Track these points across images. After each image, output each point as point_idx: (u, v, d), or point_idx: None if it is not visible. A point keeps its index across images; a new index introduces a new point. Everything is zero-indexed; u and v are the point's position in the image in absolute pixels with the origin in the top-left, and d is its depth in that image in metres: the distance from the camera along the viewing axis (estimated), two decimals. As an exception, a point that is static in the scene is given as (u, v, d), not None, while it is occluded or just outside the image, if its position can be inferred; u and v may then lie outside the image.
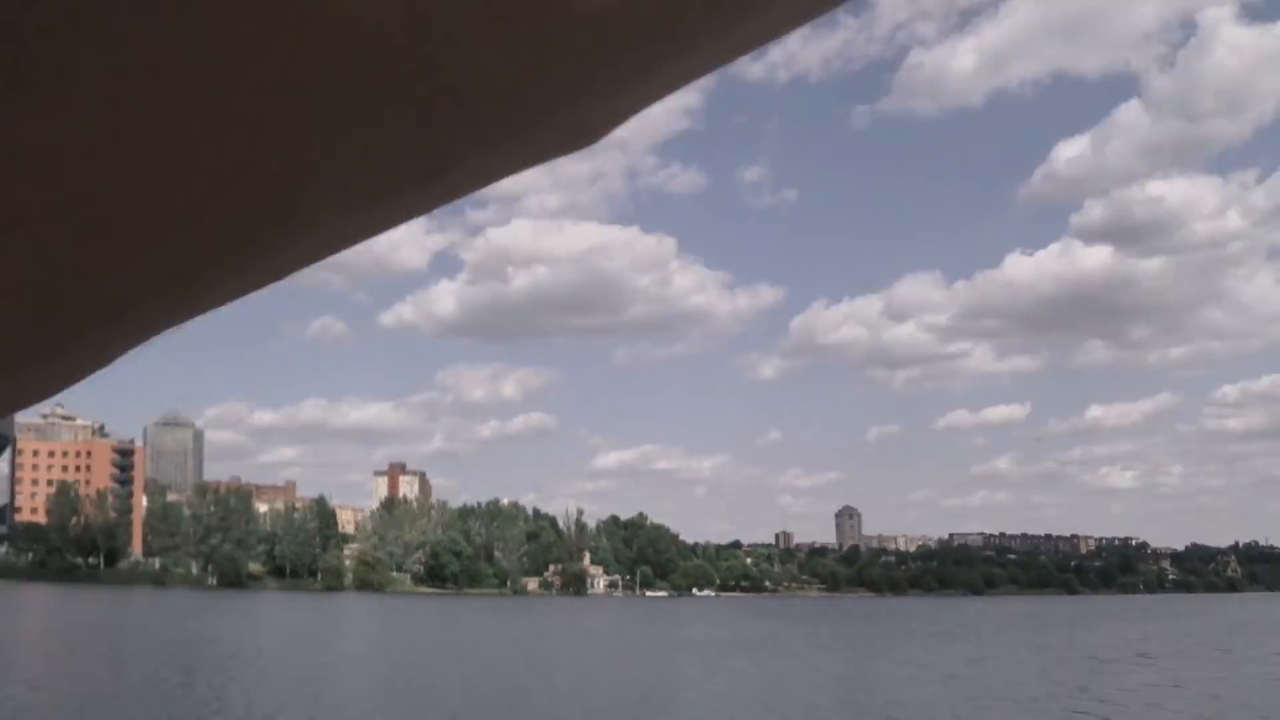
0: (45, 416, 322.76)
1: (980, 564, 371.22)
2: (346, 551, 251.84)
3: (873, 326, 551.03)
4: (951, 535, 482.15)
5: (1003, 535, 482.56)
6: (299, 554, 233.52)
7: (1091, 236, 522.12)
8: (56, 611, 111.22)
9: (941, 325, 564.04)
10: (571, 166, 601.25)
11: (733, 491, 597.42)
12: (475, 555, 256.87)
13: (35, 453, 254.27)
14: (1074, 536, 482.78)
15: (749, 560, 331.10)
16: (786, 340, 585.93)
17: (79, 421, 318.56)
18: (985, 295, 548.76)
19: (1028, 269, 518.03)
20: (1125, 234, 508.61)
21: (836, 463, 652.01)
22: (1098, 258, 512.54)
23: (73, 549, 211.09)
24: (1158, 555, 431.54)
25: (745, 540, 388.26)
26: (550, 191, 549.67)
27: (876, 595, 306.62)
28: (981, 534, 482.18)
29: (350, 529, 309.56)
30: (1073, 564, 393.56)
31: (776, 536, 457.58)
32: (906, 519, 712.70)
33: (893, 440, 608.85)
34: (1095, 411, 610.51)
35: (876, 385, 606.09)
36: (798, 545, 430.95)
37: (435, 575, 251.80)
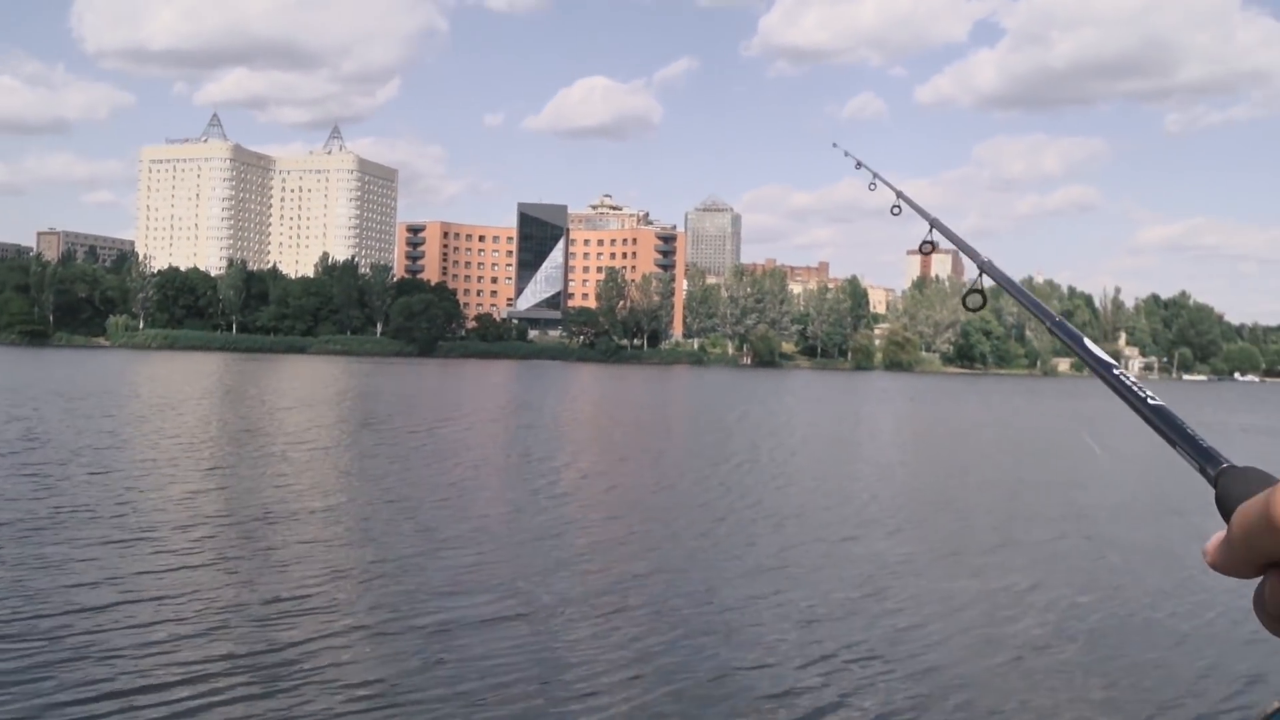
0: (594, 207, 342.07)
1: None
2: (877, 331, 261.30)
3: None
4: None
5: None
6: (830, 333, 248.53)
7: None
8: (608, 384, 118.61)
9: None
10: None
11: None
12: (1006, 335, 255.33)
13: (586, 242, 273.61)
14: None
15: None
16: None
17: (625, 211, 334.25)
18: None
19: None
20: None
21: None
22: None
23: (619, 330, 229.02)
24: None
25: None
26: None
27: None
28: None
29: (881, 309, 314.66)
30: None
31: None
32: None
33: None
34: None
35: None
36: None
37: (964, 355, 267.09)
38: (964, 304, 3.36)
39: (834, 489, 35.66)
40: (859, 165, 7.72)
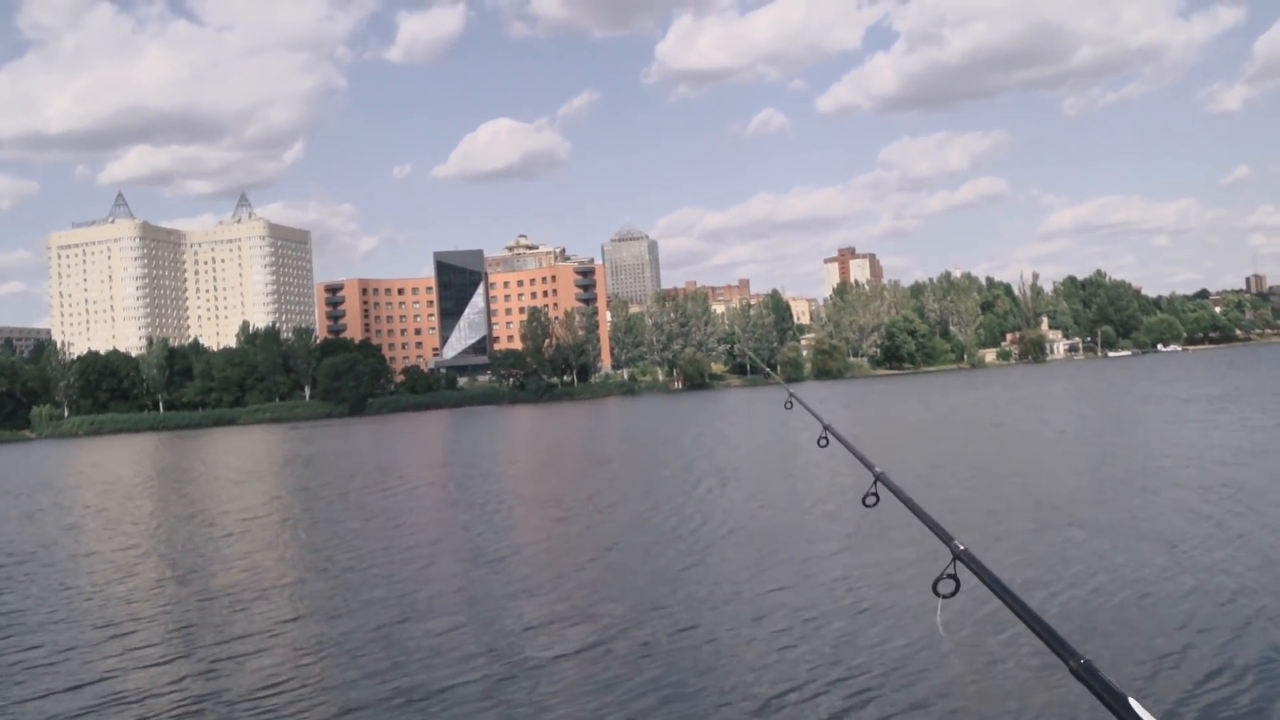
0: (511, 249, 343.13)
1: None
2: (803, 342, 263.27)
3: None
4: None
5: None
6: (757, 349, 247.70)
7: None
8: (543, 424, 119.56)
9: None
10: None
11: (1197, 237, 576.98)
12: (930, 332, 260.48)
13: (505, 284, 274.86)
14: None
15: (1218, 309, 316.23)
16: (1250, 64, 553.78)
17: (541, 249, 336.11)
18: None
19: None
20: None
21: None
22: None
23: (548, 369, 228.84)
24: None
25: (1212, 288, 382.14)
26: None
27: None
28: None
29: (805, 319, 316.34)
30: None
31: (1247, 281, 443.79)
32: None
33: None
34: None
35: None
36: (1272, 288, 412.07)
37: (892, 356, 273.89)
38: (935, 590, 3.58)
39: (799, 504, 36.89)
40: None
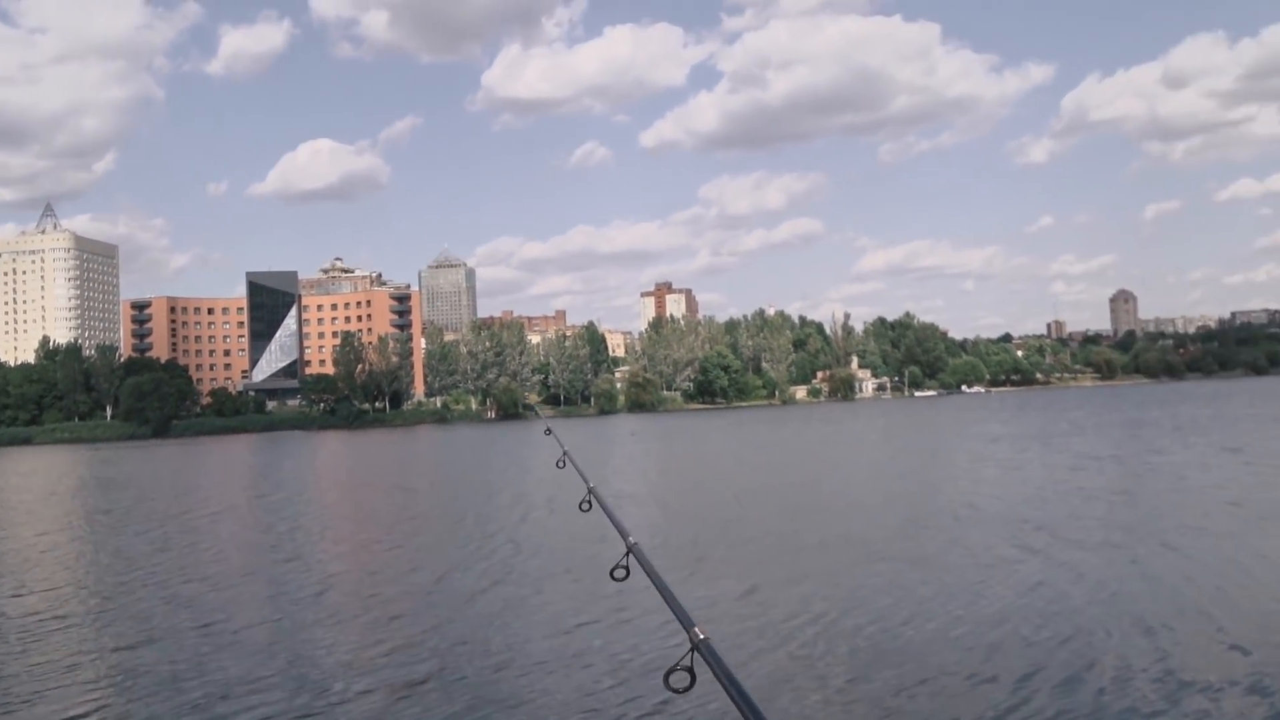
0: (325, 271, 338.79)
1: (1264, 342, 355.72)
2: (618, 374, 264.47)
3: (1149, 97, 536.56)
4: (1234, 314, 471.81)
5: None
6: (572, 381, 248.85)
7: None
8: (350, 452, 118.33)
9: (1225, 89, 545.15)
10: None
11: (1003, 283, 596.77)
12: (743, 368, 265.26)
13: (319, 307, 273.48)
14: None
15: (1020, 353, 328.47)
16: (1058, 120, 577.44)
17: (357, 273, 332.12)
18: (1274, 52, 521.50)
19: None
20: None
21: (1111, 245, 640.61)
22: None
23: (360, 395, 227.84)
24: None
25: (1016, 333, 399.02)
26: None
27: (1153, 381, 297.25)
28: (1266, 310, 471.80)
29: (620, 352, 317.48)
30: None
31: (1048, 326, 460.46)
32: (1185, 300, 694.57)
33: (1171, 217, 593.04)
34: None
35: (1154, 160, 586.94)
36: (1071, 334, 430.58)
37: (705, 391, 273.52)
38: (666, 683, 3.24)
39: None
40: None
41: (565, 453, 9.35)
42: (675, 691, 3.28)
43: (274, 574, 33.29)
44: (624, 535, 4.84)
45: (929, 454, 77.39)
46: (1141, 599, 23.11)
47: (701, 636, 3.25)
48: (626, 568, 4.63)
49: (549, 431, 12.32)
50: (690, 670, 3.23)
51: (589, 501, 6.31)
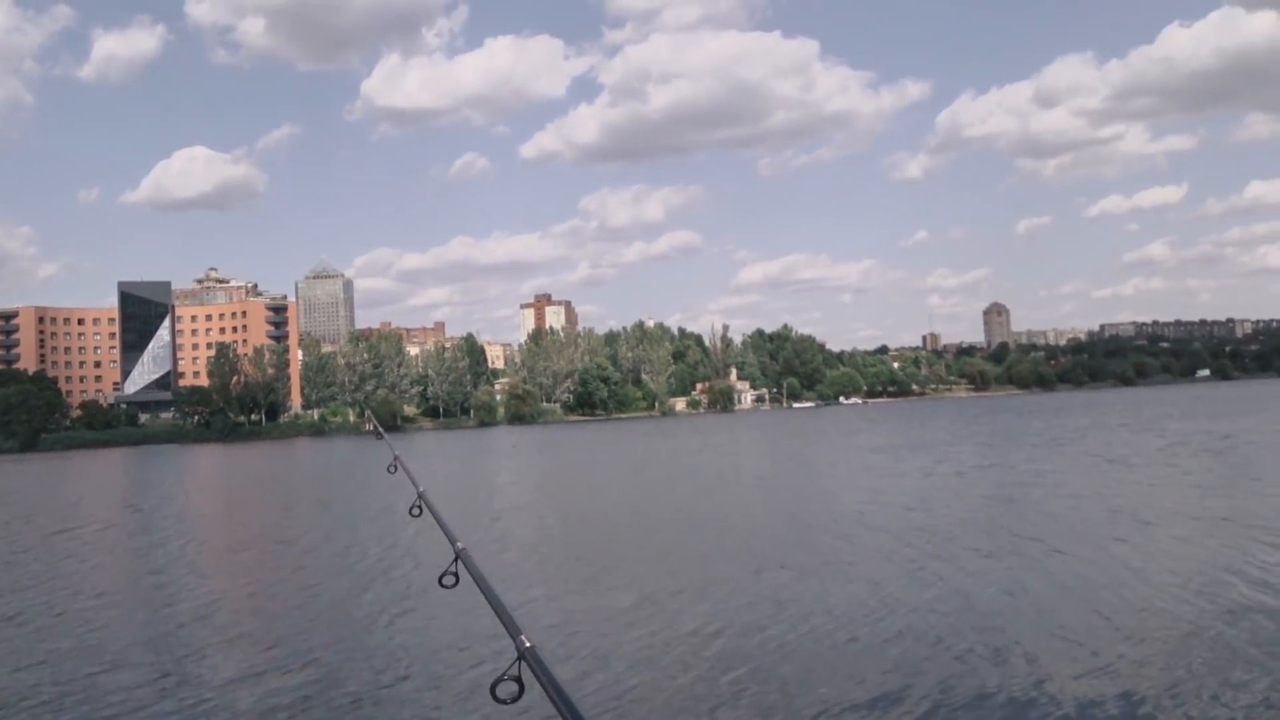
0: (200, 281, 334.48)
1: (1132, 354, 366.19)
2: (497, 386, 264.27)
3: (1022, 115, 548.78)
4: (1103, 326, 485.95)
5: (1156, 323, 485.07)
6: (451, 393, 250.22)
7: (1254, 2, 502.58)
8: (224, 466, 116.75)
9: (1094, 108, 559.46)
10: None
11: (879, 296, 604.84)
12: (623, 380, 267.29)
13: (193, 318, 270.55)
14: (1230, 321, 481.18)
15: (896, 364, 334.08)
16: (933, 136, 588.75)
17: (233, 283, 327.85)
18: (1140, 73, 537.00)
19: (1185, 41, 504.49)
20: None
21: (985, 259, 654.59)
22: (1261, 25, 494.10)
23: (235, 407, 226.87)
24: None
25: (892, 344, 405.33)
26: (688, 3, 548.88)
27: (1025, 392, 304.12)
28: (1134, 323, 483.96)
29: (500, 364, 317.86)
30: (1228, 349, 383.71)
31: (924, 338, 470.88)
32: (1056, 313, 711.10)
33: (1042, 232, 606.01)
34: (1256, 188, 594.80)
35: (1026, 176, 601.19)
36: (945, 346, 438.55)
37: (585, 403, 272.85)
38: (493, 693, 3.11)
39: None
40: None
41: (396, 457, 8.89)
42: (502, 703, 3.13)
43: (149, 593, 32.67)
44: (452, 541, 4.71)
45: (815, 464, 78.30)
46: (1044, 604, 23.61)
47: (528, 644, 3.16)
48: (456, 574, 4.45)
49: (381, 435, 12.41)
50: (518, 680, 3.11)
51: (419, 507, 6.21)
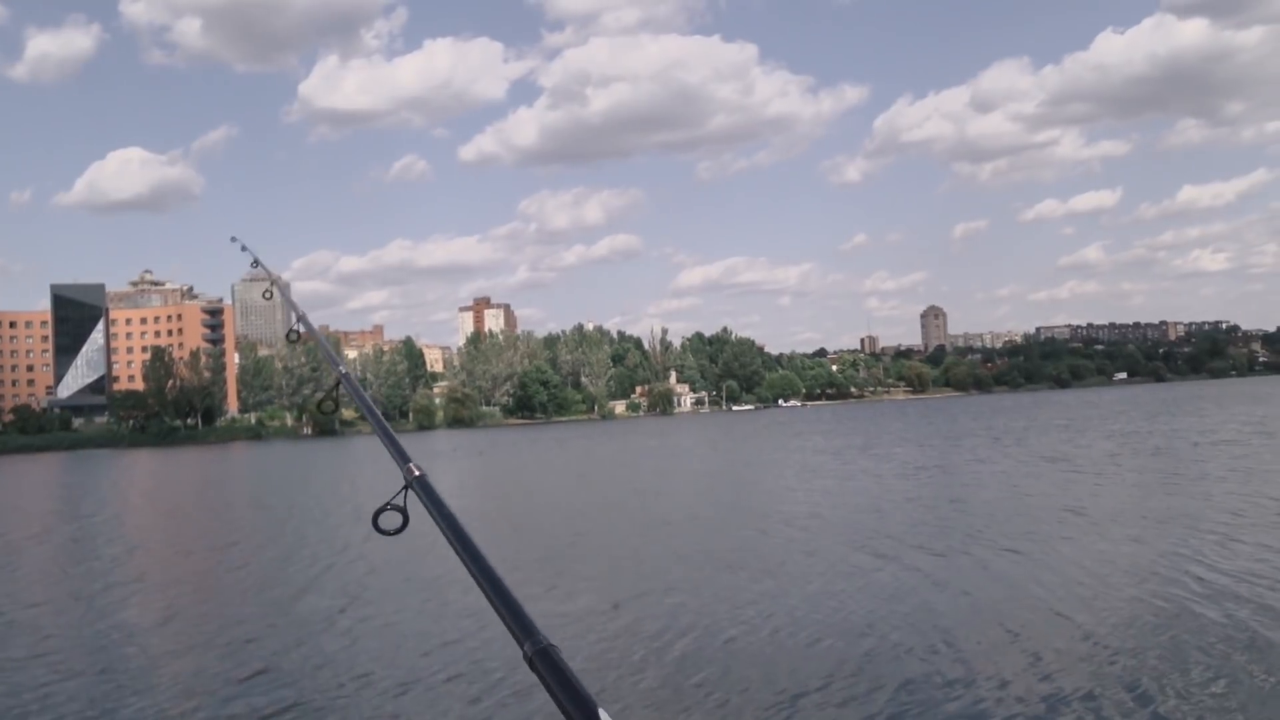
0: (134, 284, 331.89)
1: (1067, 356, 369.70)
2: (436, 390, 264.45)
3: (959, 120, 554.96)
4: (1039, 329, 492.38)
5: (1090, 326, 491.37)
6: (390, 396, 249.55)
7: (1186, 10, 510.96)
8: (160, 471, 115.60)
9: (1029, 114, 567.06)
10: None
11: (818, 299, 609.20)
12: (562, 383, 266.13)
13: (128, 321, 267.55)
14: (1163, 324, 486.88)
15: (835, 367, 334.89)
16: (870, 141, 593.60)
17: (168, 286, 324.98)
18: (1075, 79, 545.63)
19: (1119, 48, 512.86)
20: (1221, 5, 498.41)
21: (922, 263, 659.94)
22: (1193, 32, 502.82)
23: (170, 412, 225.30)
24: (1249, 338, 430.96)
25: (831, 347, 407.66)
26: (628, 6, 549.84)
27: (962, 394, 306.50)
28: (1069, 326, 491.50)
29: (439, 367, 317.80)
30: (1161, 351, 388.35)
31: (862, 341, 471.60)
32: (993, 315, 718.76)
33: (979, 236, 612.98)
34: (1188, 193, 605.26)
35: (963, 180, 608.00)
36: (884, 349, 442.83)
37: (525, 406, 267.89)
38: (375, 524, 2.97)
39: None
40: (255, 263, 8.66)
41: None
42: (385, 533, 2.95)
43: (101, 600, 32.16)
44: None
45: (760, 466, 78.34)
46: (1002, 603, 23.75)
47: (416, 474, 2.96)
48: (405, 513, 3.01)
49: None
50: (403, 510, 2.93)
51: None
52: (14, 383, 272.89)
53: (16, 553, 45.79)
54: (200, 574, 36.92)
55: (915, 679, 18.06)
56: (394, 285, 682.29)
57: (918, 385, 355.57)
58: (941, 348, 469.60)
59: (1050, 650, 19.40)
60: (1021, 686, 17.30)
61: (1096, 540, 32.11)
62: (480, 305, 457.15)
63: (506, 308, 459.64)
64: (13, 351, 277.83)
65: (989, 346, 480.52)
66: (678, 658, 20.25)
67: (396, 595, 28.86)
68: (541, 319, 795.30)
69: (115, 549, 45.22)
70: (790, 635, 21.80)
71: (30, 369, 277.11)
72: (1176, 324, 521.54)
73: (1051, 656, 18.97)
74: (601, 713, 2.08)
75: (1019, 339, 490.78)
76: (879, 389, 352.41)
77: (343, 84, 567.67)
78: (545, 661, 2.26)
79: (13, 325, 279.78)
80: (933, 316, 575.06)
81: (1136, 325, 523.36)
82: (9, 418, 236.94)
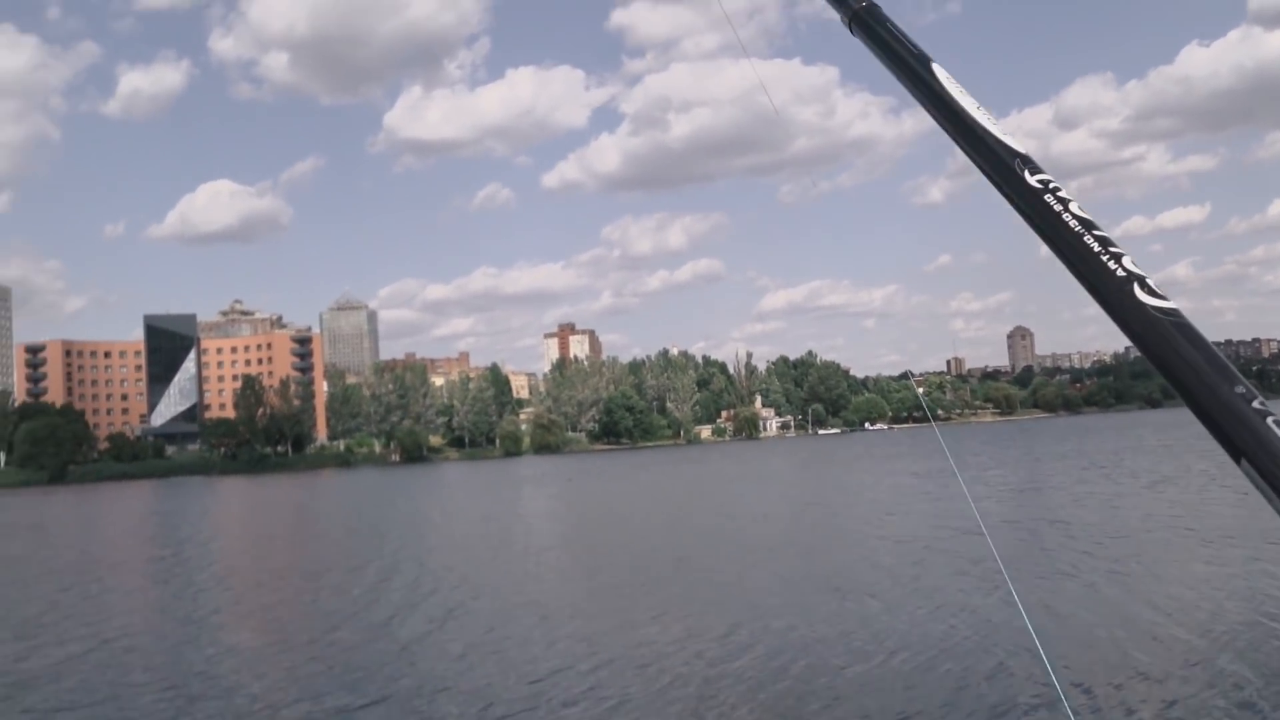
0: (225, 314, 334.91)
1: (1158, 376, 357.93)
2: (522, 416, 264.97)
3: (1042, 137, 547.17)
4: (1128, 349, 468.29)
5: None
6: (476, 423, 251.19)
7: (1273, 20, 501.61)
8: (253, 499, 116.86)
9: (1114, 130, 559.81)
10: (728, 2, 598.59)
11: (903, 321, 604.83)
12: (648, 408, 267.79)
13: (219, 350, 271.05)
14: (1256, 340, 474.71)
15: (921, 389, 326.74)
16: (953, 160, 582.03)
17: (258, 315, 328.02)
18: (1160, 93, 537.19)
19: (1204, 61, 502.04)
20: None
21: (1008, 283, 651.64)
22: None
23: (261, 439, 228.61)
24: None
25: (916, 370, 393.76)
26: (708, 31, 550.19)
27: (1051, 415, 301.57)
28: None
29: (524, 393, 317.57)
30: (1255, 368, 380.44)
31: (948, 363, 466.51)
32: (1081, 335, 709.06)
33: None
34: (1279, 207, 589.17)
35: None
36: (970, 370, 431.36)
37: (610, 431, 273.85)
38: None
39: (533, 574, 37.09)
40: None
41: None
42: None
43: (210, 625, 32.69)
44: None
45: (854, 490, 78.40)
46: (1116, 626, 23.67)
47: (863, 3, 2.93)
48: None
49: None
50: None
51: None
52: (109, 411, 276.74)
53: (124, 579, 46.56)
54: (304, 599, 37.65)
55: (1034, 705, 17.86)
56: (479, 312, 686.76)
57: (1005, 407, 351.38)
58: (1029, 368, 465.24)
59: (1173, 677, 19.14)
60: (1150, 713, 17.05)
61: (1208, 562, 31.69)
62: (565, 331, 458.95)
63: (591, 333, 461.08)
64: (108, 381, 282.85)
65: (1077, 367, 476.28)
66: (793, 683, 20.38)
67: (502, 621, 29.00)
68: (626, 344, 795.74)
69: (217, 574, 45.98)
70: (905, 660, 21.97)
71: (124, 398, 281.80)
72: (1270, 340, 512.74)
73: (1176, 684, 18.70)
74: (935, 65, 2.13)
75: (1108, 358, 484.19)
76: (966, 411, 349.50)
77: (427, 114, 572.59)
78: (875, 16, 2.27)
79: (107, 355, 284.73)
80: (1019, 337, 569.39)
81: (1229, 342, 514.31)
82: (105, 446, 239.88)
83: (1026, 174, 2.29)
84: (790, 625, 26.04)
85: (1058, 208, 2.20)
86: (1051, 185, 2.24)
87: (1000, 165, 2.24)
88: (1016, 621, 24.75)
